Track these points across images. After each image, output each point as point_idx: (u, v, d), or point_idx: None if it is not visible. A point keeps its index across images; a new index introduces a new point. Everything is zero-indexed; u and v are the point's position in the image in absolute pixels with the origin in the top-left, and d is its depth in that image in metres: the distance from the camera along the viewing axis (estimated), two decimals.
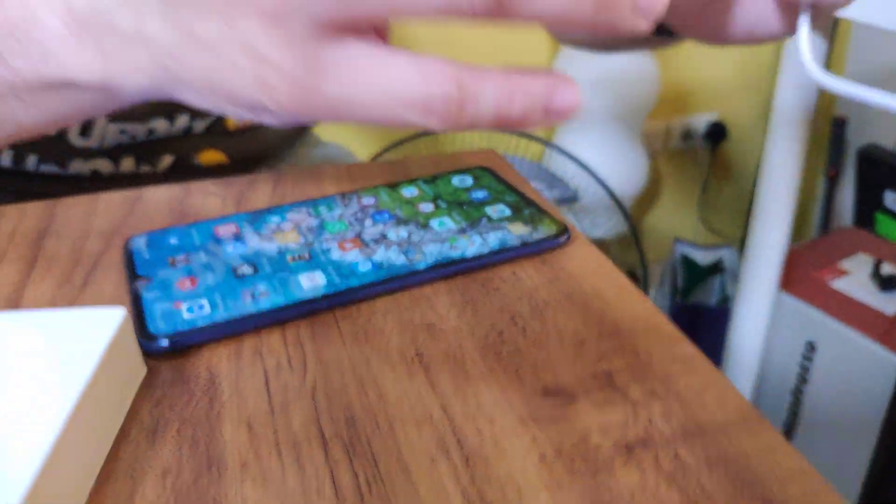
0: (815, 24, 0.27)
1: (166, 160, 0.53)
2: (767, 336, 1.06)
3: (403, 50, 0.21)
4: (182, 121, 0.52)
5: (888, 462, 0.97)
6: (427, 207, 0.34)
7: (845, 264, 1.10)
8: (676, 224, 1.63)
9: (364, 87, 0.21)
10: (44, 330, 0.23)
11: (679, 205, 1.63)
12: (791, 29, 0.28)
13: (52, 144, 0.49)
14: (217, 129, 0.54)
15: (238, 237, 0.31)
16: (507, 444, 0.22)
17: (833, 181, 1.61)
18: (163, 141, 0.52)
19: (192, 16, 0.21)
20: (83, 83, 0.25)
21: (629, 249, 1.33)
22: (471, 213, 0.34)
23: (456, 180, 0.37)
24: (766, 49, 1.51)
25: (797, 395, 1.07)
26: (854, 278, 1.07)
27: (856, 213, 1.48)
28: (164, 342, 0.25)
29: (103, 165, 0.51)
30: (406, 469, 0.21)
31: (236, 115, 0.23)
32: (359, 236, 0.32)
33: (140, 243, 0.31)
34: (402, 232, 0.32)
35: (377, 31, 0.21)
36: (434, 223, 0.33)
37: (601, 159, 1.25)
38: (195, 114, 0.52)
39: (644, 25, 0.19)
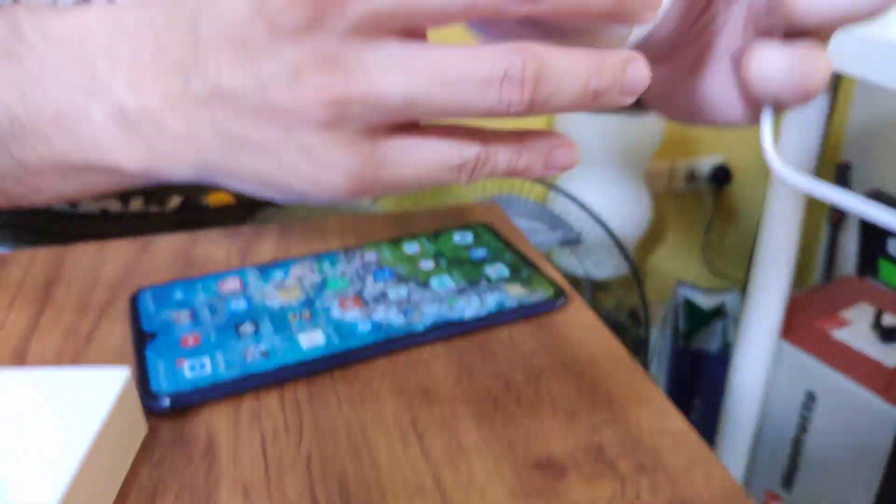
0: (780, 113, 0.28)
1: (174, 200, 0.54)
2: (767, 384, 1.05)
3: (437, 125, 0.23)
4: None
5: None
6: (428, 265, 0.35)
7: (846, 314, 1.10)
8: (680, 265, 1.64)
9: (412, 168, 0.23)
10: (48, 389, 0.24)
11: (683, 246, 1.63)
12: (755, 119, 0.29)
13: None
14: None
15: (242, 292, 0.32)
16: None
17: (837, 226, 1.61)
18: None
19: (245, 124, 0.22)
20: (127, 172, 0.26)
21: (632, 290, 1.34)
22: (470, 273, 0.34)
23: (457, 237, 0.38)
24: None
25: (797, 444, 1.07)
26: (855, 328, 1.07)
27: (859, 259, 1.49)
28: (166, 401, 0.26)
29: (113, 205, 0.52)
30: None
31: (282, 201, 0.24)
32: (360, 294, 0.32)
33: (146, 297, 0.32)
34: (402, 291, 0.33)
35: (415, 32, 0.23)
36: (434, 282, 0.34)
37: (604, 200, 1.26)
38: None
39: (628, 102, 0.23)
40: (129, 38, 0.25)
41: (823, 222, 1.67)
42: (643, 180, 1.39)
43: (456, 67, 0.21)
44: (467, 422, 0.26)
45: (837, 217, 1.60)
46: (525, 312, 0.32)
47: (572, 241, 1.12)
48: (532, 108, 0.21)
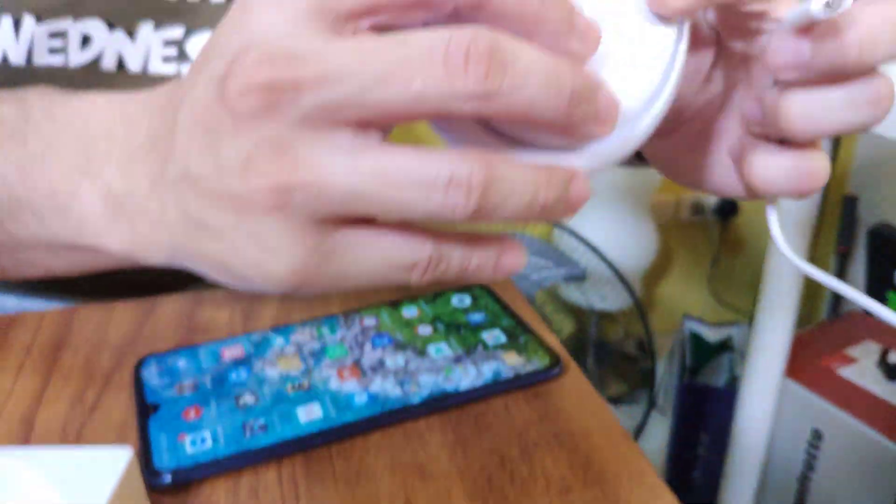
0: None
1: None
2: (774, 422, 1.05)
3: (388, 226, 0.23)
4: None
5: None
6: (426, 330, 0.36)
7: (853, 351, 1.10)
8: (687, 297, 1.63)
9: (361, 265, 0.23)
10: (53, 470, 0.25)
11: (689, 278, 1.63)
12: (756, 197, 0.29)
13: None
14: None
15: (243, 361, 0.33)
16: None
17: (844, 259, 1.61)
18: None
19: (203, 207, 0.22)
20: (111, 253, 0.27)
21: (637, 322, 1.34)
22: (467, 339, 0.35)
23: (455, 300, 0.39)
24: None
25: (804, 482, 1.06)
26: (861, 366, 1.06)
27: (867, 292, 1.48)
28: (168, 478, 0.27)
29: None
30: None
31: (243, 289, 0.24)
32: (357, 363, 0.33)
33: (150, 366, 0.33)
34: (400, 359, 0.33)
35: (378, 125, 0.23)
36: (431, 349, 0.34)
37: (610, 232, 1.27)
38: None
39: (570, 216, 0.24)
40: (127, 123, 0.26)
41: (831, 255, 1.67)
42: (649, 212, 1.39)
43: (403, 167, 0.21)
44: (461, 501, 0.26)
45: (845, 249, 1.60)
46: (521, 382, 0.33)
47: (578, 277, 1.12)
48: (479, 215, 0.21)
